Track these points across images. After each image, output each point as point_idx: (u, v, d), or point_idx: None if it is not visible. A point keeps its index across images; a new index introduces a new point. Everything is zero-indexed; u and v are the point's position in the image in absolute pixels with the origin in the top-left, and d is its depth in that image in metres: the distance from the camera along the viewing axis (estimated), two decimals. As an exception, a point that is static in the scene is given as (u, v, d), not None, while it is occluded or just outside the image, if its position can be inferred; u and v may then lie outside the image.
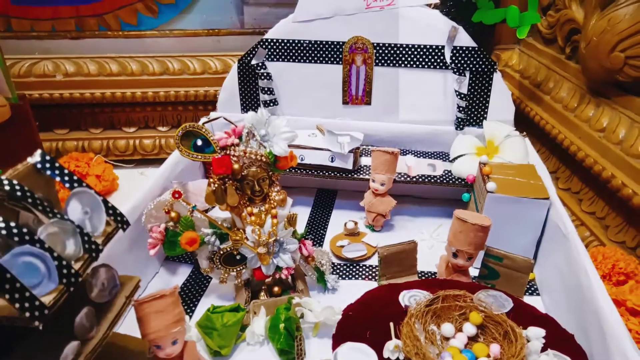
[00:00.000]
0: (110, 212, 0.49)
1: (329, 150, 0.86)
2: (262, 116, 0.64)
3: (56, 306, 0.40)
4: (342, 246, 0.81)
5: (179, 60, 1.05)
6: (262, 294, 0.69)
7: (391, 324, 0.55)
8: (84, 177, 0.94)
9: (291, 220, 0.66)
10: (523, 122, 0.97)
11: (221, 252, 0.66)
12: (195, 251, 0.67)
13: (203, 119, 0.94)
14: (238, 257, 0.66)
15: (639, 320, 0.54)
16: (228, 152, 0.63)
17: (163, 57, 1.05)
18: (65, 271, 0.41)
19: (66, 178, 0.47)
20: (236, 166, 0.62)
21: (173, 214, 0.65)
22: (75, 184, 0.47)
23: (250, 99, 0.97)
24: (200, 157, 0.63)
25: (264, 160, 0.63)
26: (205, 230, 0.66)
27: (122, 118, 1.08)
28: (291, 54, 0.92)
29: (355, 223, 0.84)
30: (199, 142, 0.63)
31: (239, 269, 0.67)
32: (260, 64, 0.92)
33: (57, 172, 0.47)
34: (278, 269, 0.66)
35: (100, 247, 0.46)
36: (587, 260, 0.59)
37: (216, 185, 0.63)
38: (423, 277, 0.75)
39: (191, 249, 0.64)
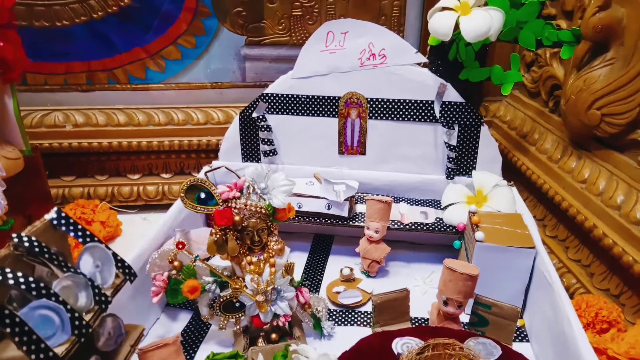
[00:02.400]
0: (119, 264, 0.52)
1: (326, 199, 0.90)
2: (262, 170, 0.68)
3: (68, 356, 0.43)
4: (338, 292, 0.84)
5: (183, 111, 1.10)
6: (260, 340, 0.71)
7: (384, 372, 0.57)
8: (89, 223, 0.97)
9: (288, 269, 0.69)
10: (511, 171, 1.02)
11: (221, 300, 0.68)
12: (196, 299, 0.70)
13: (205, 168, 0.99)
14: (237, 304, 0.69)
15: (620, 368, 0.57)
16: (230, 204, 0.66)
17: (168, 108, 1.10)
18: (77, 322, 0.44)
19: (79, 233, 0.51)
20: (237, 218, 0.66)
21: (176, 263, 0.68)
22: (88, 239, 0.51)
23: (250, 149, 1.01)
24: (203, 209, 0.67)
25: (264, 212, 0.67)
26: (207, 279, 0.69)
27: (127, 165, 1.12)
28: (290, 107, 0.97)
29: (351, 269, 0.87)
30: (203, 195, 0.67)
31: (237, 316, 0.70)
32: (260, 117, 0.97)
33: (71, 227, 0.51)
34: (275, 316, 0.69)
35: (110, 299, 0.49)
36: (570, 310, 0.62)
37: (218, 235, 0.66)
38: (416, 324, 0.78)
39: (192, 297, 0.67)
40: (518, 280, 0.76)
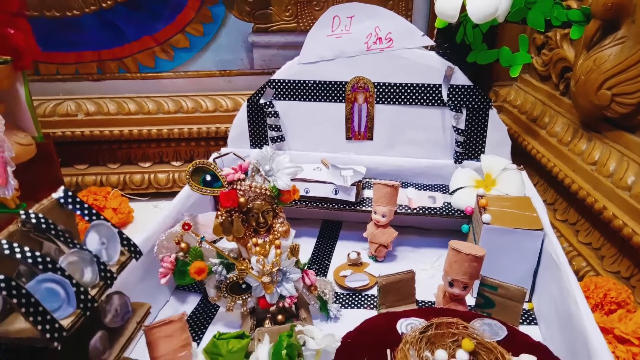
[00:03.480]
0: (125, 242, 0.53)
1: (333, 184, 0.90)
2: (267, 153, 0.69)
3: (74, 329, 0.44)
4: (345, 276, 0.84)
5: (192, 99, 1.11)
6: (267, 321, 0.72)
7: (387, 351, 0.58)
8: (101, 210, 0.99)
9: (294, 251, 0.69)
10: (521, 156, 1.01)
11: (228, 281, 0.69)
12: (204, 280, 0.71)
13: (214, 154, 0.99)
14: (244, 286, 0.69)
15: (627, 347, 0.56)
16: (235, 186, 0.67)
17: (178, 97, 1.11)
18: (82, 297, 0.45)
19: (85, 212, 0.52)
20: (242, 200, 0.66)
21: (183, 245, 0.69)
22: (94, 217, 0.52)
23: (258, 136, 1.02)
24: (208, 191, 0.68)
25: (268, 193, 0.68)
26: (213, 260, 0.70)
27: (138, 154, 1.14)
28: (297, 93, 0.97)
29: (358, 254, 0.87)
30: (208, 178, 0.68)
31: (244, 297, 0.70)
32: (268, 103, 0.98)
33: (77, 206, 0.52)
34: (281, 297, 0.70)
35: (115, 275, 0.50)
36: (577, 290, 0.61)
37: (223, 217, 0.67)
38: (422, 306, 0.78)
39: (199, 278, 0.68)
40: (526, 263, 0.76)
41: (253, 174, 0.68)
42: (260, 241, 0.68)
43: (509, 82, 1.15)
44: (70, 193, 0.52)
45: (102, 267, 0.49)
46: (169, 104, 1.10)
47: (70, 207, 0.51)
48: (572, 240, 0.85)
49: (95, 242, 0.51)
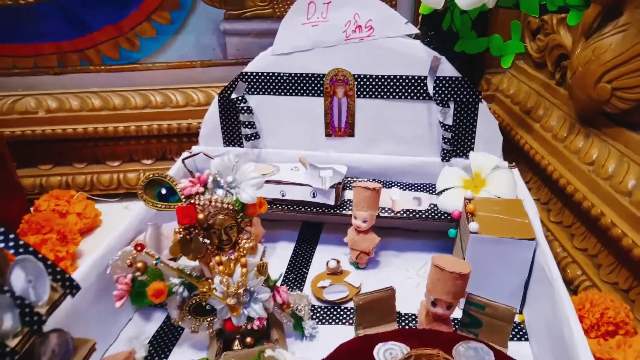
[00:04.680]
0: (58, 277, 0.47)
1: (310, 186, 0.84)
2: (229, 162, 0.62)
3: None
4: (324, 287, 0.78)
5: (161, 93, 1.04)
6: (236, 342, 0.66)
7: (362, 385, 0.52)
8: (64, 215, 0.93)
9: (262, 269, 0.63)
10: (513, 151, 0.94)
11: (190, 303, 0.63)
12: (165, 300, 0.65)
13: (184, 154, 0.93)
14: (208, 307, 0.64)
15: (626, 381, 0.51)
16: (193, 201, 0.60)
17: (145, 91, 1.03)
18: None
19: (11, 244, 0.45)
20: (201, 215, 0.59)
21: (139, 265, 0.63)
22: (21, 250, 0.45)
23: (231, 133, 0.95)
24: (164, 206, 0.61)
25: (231, 208, 0.61)
26: (174, 280, 0.64)
27: (106, 152, 1.07)
28: (271, 87, 0.90)
29: (338, 262, 0.81)
30: (164, 191, 0.61)
31: (209, 319, 0.64)
32: (240, 98, 0.90)
33: (1, 237, 0.45)
34: (249, 319, 0.64)
35: (44, 317, 0.44)
36: (570, 312, 0.56)
37: (182, 235, 0.60)
38: (406, 321, 0.72)
39: (158, 300, 0.62)
40: (516, 274, 0.70)
41: (213, 186, 0.61)
42: (224, 259, 0.62)
43: (502, 70, 1.07)
44: (-8, 223, 0.45)
45: (27, 310, 0.42)
46: (136, 98, 1.03)
47: (-8, 239, 0.45)
48: (566, 245, 0.79)
49: (22, 280, 0.44)
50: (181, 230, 0.60)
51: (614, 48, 0.68)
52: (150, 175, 0.61)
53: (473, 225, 0.68)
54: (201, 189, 0.61)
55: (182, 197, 0.61)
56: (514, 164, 0.86)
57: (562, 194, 0.82)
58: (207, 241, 0.62)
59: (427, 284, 0.63)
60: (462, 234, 0.75)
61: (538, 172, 0.90)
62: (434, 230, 0.90)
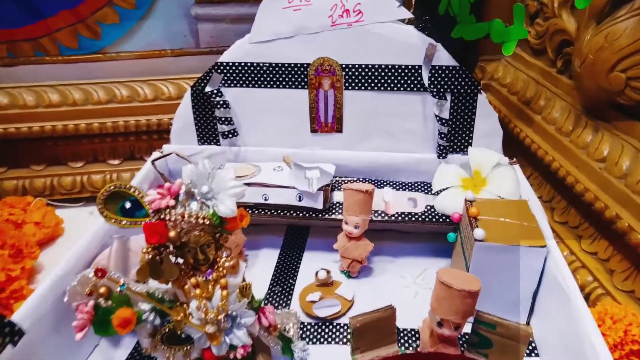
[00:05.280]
0: (-4, 322, 0.38)
1: (296, 189, 0.76)
2: (204, 170, 0.53)
3: None
4: (313, 301, 0.71)
5: (127, 86, 0.94)
6: (218, 371, 0.58)
7: None
8: (19, 226, 0.83)
9: (244, 291, 0.55)
10: (512, 144, 0.87)
11: (163, 331, 0.55)
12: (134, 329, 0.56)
13: (154, 154, 0.84)
14: (183, 335, 0.56)
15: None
16: (163, 216, 0.52)
17: (109, 83, 0.93)
18: None
19: None
20: (172, 233, 0.51)
21: (102, 290, 0.54)
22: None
23: (207, 130, 0.86)
24: (129, 223, 0.52)
25: (208, 223, 0.53)
26: (143, 306, 0.55)
27: (67, 152, 0.96)
28: (250, 78, 0.81)
29: (328, 272, 0.74)
30: (128, 205, 0.53)
31: (186, 348, 0.57)
32: (215, 92, 0.81)
33: None
34: (232, 347, 0.56)
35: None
36: (592, 328, 0.50)
37: (150, 255, 0.52)
38: (405, 339, 0.65)
39: (125, 331, 0.54)
40: (525, 284, 0.64)
41: (186, 198, 0.53)
42: (201, 281, 0.54)
43: (497, 56, 1.00)
44: None
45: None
46: (99, 92, 0.92)
47: None
48: (574, 248, 0.74)
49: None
50: (150, 250, 0.52)
51: (630, 33, 0.62)
52: (112, 187, 0.52)
53: (479, 232, 0.62)
54: (172, 202, 0.52)
55: (150, 211, 0.52)
56: (514, 159, 0.79)
57: (567, 192, 0.77)
58: (181, 261, 0.54)
59: (432, 302, 0.56)
60: (464, 239, 0.69)
61: (540, 168, 0.84)
62: (430, 232, 0.83)
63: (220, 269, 0.55)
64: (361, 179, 0.85)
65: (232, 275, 0.56)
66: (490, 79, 0.99)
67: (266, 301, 0.73)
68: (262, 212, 0.78)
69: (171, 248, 0.52)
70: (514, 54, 0.97)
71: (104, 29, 0.91)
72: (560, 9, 0.81)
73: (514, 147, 0.87)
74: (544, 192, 0.83)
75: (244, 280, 0.57)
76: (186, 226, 0.52)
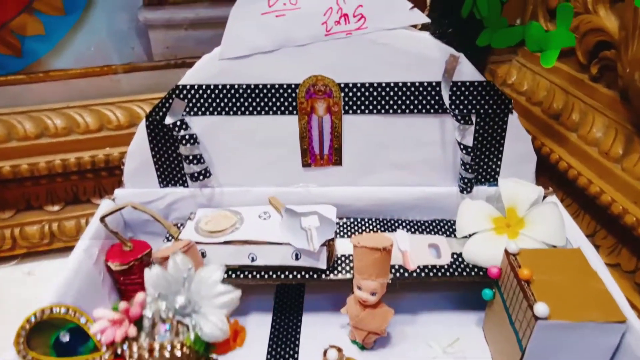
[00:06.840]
0: None
1: (291, 245, 0.60)
2: (177, 271, 0.37)
3: None
4: (325, 393, 0.56)
5: (61, 113, 0.74)
6: None
7: None
8: None
9: None
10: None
11: None
12: None
13: (104, 204, 0.65)
14: None
15: None
16: (120, 351, 0.35)
17: (38, 112, 0.73)
18: None
19: None
20: (137, 379, 0.34)
21: None
22: None
23: (169, 168, 0.68)
24: (68, 367, 0.35)
25: (188, 353, 0.36)
26: None
27: (-10, 200, 0.76)
28: (223, 104, 0.64)
29: (339, 350, 0.59)
30: (66, 338, 0.35)
31: None
32: (178, 124, 0.63)
33: None
34: None
35: None
36: None
37: (105, 410, 0.35)
38: None
39: None
40: (595, 363, 0.51)
41: (153, 319, 0.36)
42: None
43: (507, 58, 0.86)
44: None
45: None
46: (24, 124, 0.72)
47: None
48: (632, 298, 0.61)
49: None
50: (103, 402, 0.35)
51: None
52: (38, 314, 0.35)
53: (541, 309, 0.48)
54: (132, 331, 0.35)
55: (101, 345, 0.35)
56: (550, 189, 0.66)
57: (616, 227, 0.64)
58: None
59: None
60: (510, 305, 0.55)
61: (577, 196, 0.71)
62: (460, 282, 0.69)
63: (210, 407, 0.38)
64: (370, 226, 0.69)
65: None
66: (502, 84, 0.85)
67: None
68: (250, 276, 0.62)
69: (136, 393, 0.35)
70: (527, 53, 0.84)
71: (25, 42, 0.71)
72: (596, 3, 0.67)
73: (539, 169, 0.73)
74: (582, 225, 0.70)
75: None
76: (156, 363, 0.35)
